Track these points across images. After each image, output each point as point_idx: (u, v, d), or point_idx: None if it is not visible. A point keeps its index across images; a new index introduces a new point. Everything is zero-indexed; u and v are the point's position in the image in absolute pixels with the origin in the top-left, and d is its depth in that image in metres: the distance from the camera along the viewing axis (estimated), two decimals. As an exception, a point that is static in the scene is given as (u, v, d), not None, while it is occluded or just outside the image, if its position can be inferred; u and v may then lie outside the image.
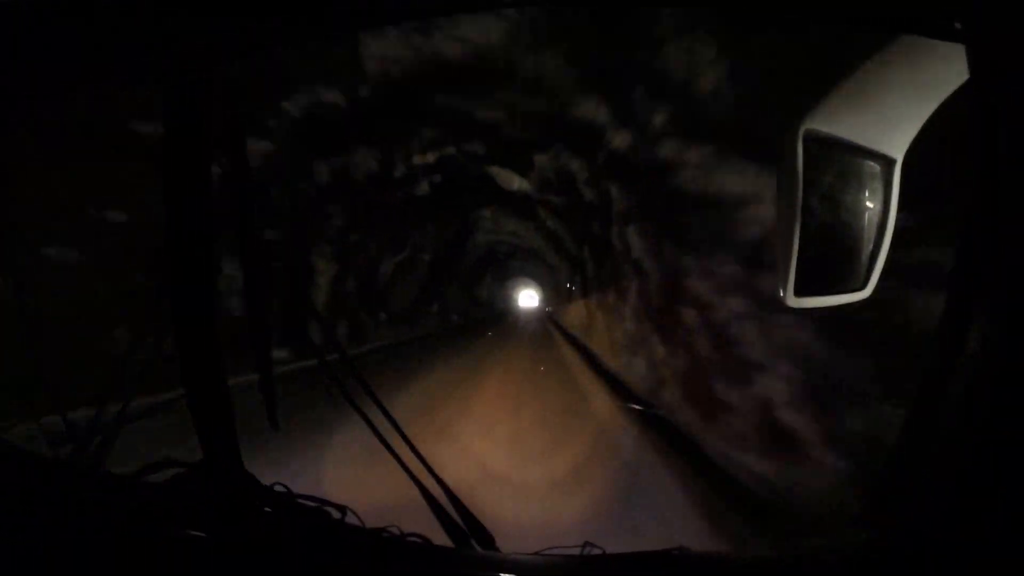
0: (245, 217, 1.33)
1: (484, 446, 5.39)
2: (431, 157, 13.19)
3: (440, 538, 1.25)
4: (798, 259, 1.21)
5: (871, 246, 1.26)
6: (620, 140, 8.10)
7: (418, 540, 1.18)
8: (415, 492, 1.37)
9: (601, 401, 7.44)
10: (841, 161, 1.31)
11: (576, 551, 1.11)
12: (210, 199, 1.43)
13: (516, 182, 15.08)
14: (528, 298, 48.95)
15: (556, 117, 9.06)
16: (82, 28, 1.16)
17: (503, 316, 41.16)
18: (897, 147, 1.29)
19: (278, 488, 1.26)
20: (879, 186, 1.29)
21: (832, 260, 1.28)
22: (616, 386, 8.17)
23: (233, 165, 1.34)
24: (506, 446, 5.38)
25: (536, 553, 1.16)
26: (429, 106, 9.80)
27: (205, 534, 1.13)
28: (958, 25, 0.84)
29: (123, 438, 1.44)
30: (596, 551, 1.07)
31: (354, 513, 1.24)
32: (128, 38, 1.20)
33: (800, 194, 1.24)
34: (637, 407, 5.95)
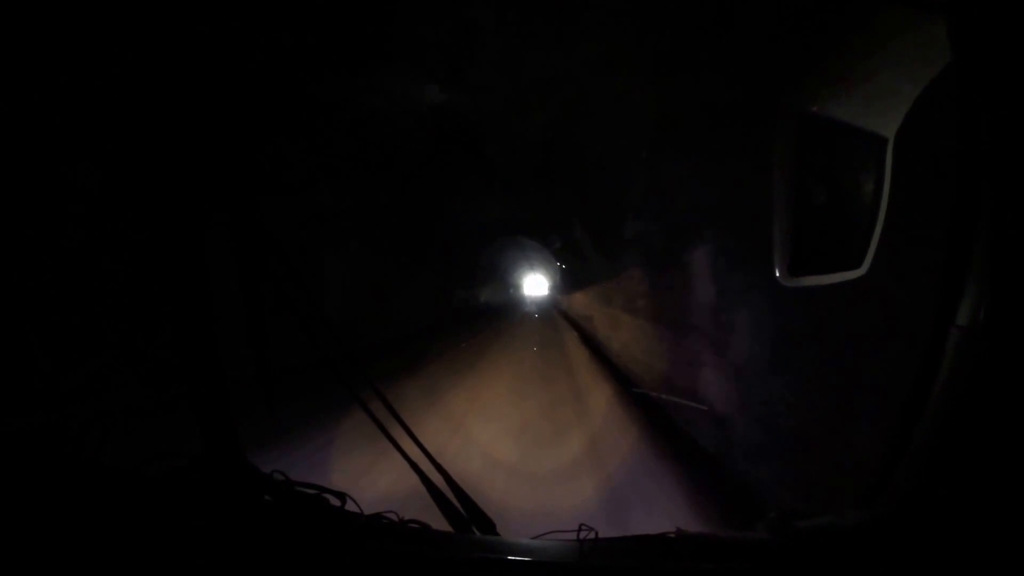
0: (240, 207, 1.34)
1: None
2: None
3: (441, 524, 1.26)
4: (792, 238, 1.22)
5: (865, 225, 1.26)
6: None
7: (417, 526, 1.18)
8: (416, 481, 1.38)
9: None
10: (833, 141, 1.30)
11: (573, 535, 1.11)
12: (202, 193, 1.43)
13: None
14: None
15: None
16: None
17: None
18: (888, 127, 1.29)
19: (277, 476, 1.27)
20: (872, 165, 1.29)
21: (826, 239, 1.28)
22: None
23: (226, 157, 1.35)
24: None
25: (535, 537, 1.17)
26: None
27: (206, 522, 1.15)
28: None
29: (124, 430, 1.45)
30: (591, 534, 1.08)
31: (353, 500, 1.24)
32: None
33: (794, 174, 1.24)
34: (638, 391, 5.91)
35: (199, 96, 1.32)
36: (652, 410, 5.33)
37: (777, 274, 1.27)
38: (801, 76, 1.24)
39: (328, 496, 1.25)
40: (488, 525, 1.29)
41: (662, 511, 2.96)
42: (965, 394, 0.85)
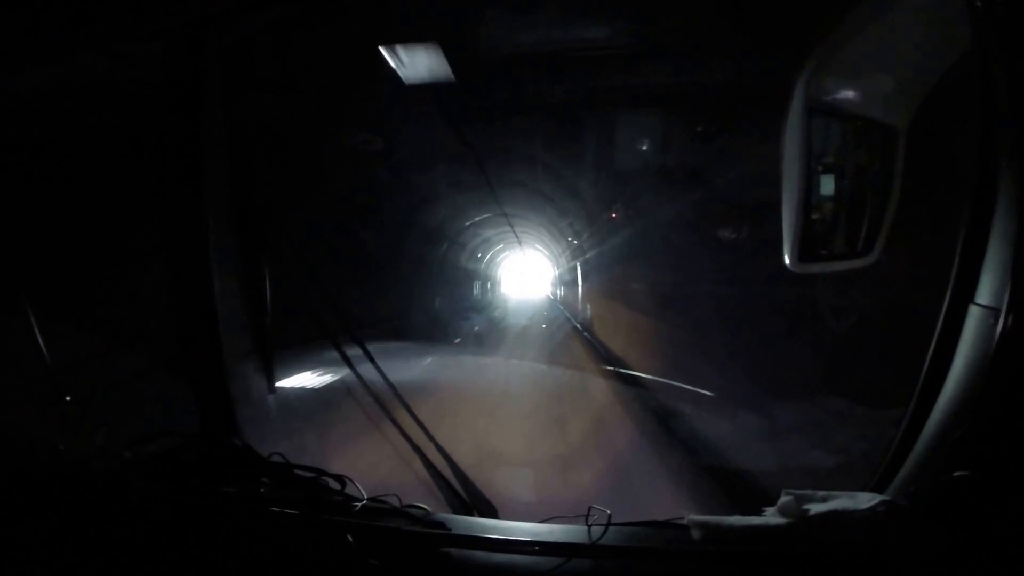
0: (242, 185, 1.31)
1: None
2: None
3: (443, 509, 1.24)
4: (802, 225, 1.21)
5: (875, 213, 1.25)
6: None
7: (419, 510, 1.15)
8: (418, 465, 1.36)
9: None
10: (845, 130, 1.30)
11: (580, 520, 1.09)
12: (206, 169, 1.41)
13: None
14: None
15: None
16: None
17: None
18: (901, 117, 1.28)
19: (275, 459, 1.24)
20: (883, 155, 1.29)
21: (836, 226, 1.28)
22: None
23: (229, 132, 1.32)
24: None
25: (542, 521, 1.14)
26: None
27: (201, 502, 1.12)
28: None
29: (119, 410, 1.42)
30: (601, 517, 1.05)
31: (354, 483, 1.21)
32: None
33: (805, 161, 1.23)
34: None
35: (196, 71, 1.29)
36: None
37: (787, 261, 1.27)
38: (812, 61, 1.24)
39: (328, 479, 1.22)
40: (491, 510, 1.27)
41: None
42: (984, 374, 0.84)
